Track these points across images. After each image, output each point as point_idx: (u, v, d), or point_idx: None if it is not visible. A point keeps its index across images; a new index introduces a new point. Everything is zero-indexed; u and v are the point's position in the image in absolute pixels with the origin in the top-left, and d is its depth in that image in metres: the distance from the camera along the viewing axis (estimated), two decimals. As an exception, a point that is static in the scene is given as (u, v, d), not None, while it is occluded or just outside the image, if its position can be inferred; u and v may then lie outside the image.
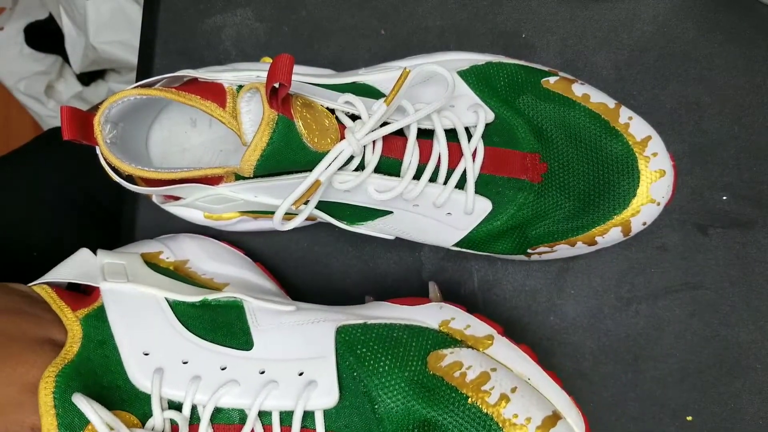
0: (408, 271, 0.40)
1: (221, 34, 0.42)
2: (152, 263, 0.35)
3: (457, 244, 0.35)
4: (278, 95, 0.27)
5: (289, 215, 0.33)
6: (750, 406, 0.38)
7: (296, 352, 0.30)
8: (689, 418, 0.38)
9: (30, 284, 0.32)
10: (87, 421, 0.26)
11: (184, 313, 0.31)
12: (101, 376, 0.28)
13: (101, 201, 0.50)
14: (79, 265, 0.32)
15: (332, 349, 0.30)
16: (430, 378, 0.29)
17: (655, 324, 0.39)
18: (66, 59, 1.00)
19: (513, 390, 0.28)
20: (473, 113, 0.32)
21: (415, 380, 0.29)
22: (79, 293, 0.32)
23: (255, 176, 0.29)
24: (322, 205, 0.33)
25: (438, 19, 0.41)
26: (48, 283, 0.32)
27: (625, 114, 0.33)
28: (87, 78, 1.03)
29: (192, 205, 0.34)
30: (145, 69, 0.42)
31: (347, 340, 0.30)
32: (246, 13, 0.42)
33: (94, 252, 0.34)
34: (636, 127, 0.33)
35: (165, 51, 0.42)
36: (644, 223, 0.33)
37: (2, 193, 0.46)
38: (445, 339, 0.31)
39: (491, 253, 0.36)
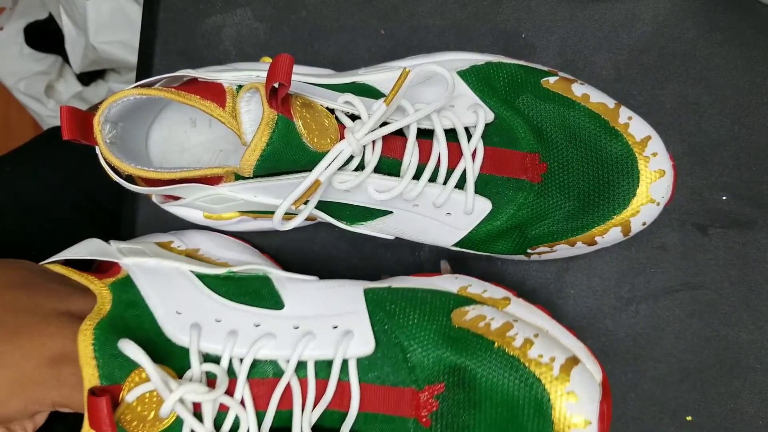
0: (408, 271, 0.40)
1: (221, 34, 0.42)
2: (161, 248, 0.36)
3: (456, 244, 0.35)
4: (278, 95, 0.27)
5: (288, 215, 0.33)
6: (750, 406, 0.38)
7: (328, 308, 0.31)
8: (689, 418, 0.38)
9: (41, 263, 0.31)
10: (128, 372, 0.26)
11: (211, 283, 0.32)
12: (136, 332, 0.28)
13: (101, 201, 0.50)
14: (94, 247, 0.32)
15: (363, 304, 0.31)
16: (456, 330, 0.30)
17: (655, 324, 0.39)
18: (66, 59, 1.00)
19: (535, 336, 0.30)
20: (473, 113, 0.32)
21: (443, 332, 0.30)
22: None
23: (255, 176, 0.29)
24: (321, 205, 0.33)
25: (438, 19, 0.41)
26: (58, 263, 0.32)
27: (624, 114, 0.33)
28: (87, 78, 1.03)
29: (192, 204, 0.34)
30: (144, 69, 0.42)
31: (375, 299, 0.31)
32: (246, 13, 0.42)
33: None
34: (636, 127, 0.33)
35: (165, 51, 0.42)
36: (644, 223, 0.33)
37: (1, 193, 0.46)
38: (466, 299, 0.32)
39: (491, 253, 0.36)
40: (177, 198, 0.35)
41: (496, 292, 0.33)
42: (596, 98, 0.34)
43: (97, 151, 0.31)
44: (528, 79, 0.34)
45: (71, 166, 0.50)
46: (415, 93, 0.33)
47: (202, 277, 0.32)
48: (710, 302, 0.38)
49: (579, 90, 0.34)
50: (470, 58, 0.35)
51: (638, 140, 0.32)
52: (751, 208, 0.38)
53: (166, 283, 0.31)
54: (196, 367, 0.28)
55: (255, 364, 0.29)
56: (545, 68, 0.35)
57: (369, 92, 0.33)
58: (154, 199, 0.36)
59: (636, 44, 0.39)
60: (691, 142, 0.39)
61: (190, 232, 0.39)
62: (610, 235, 0.33)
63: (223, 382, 0.28)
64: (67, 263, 0.32)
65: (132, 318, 0.29)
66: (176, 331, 0.29)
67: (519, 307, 0.32)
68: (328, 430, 0.30)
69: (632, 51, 0.39)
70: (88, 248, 0.32)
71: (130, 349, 0.26)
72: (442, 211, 0.33)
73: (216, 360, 0.29)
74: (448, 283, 0.34)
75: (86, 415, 0.25)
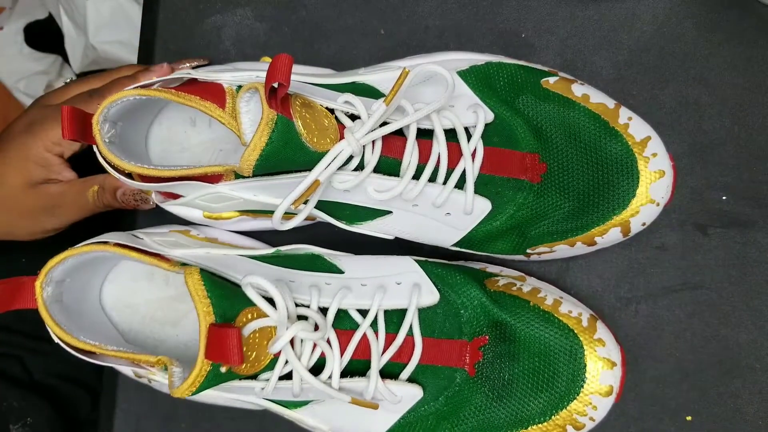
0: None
1: (221, 34, 0.42)
2: (187, 236, 0.36)
3: (456, 244, 0.35)
4: (277, 95, 0.27)
5: (288, 215, 0.33)
6: (750, 406, 0.38)
7: (385, 270, 0.33)
8: (689, 418, 0.38)
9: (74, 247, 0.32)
10: (237, 312, 0.28)
11: (265, 260, 0.33)
12: (228, 285, 0.29)
13: None
14: (129, 238, 0.32)
15: (417, 265, 0.34)
16: (492, 294, 0.34)
17: (655, 324, 0.39)
18: (66, 59, 1.00)
19: (560, 297, 0.34)
20: (473, 113, 0.32)
21: (484, 292, 0.33)
22: None
23: (254, 175, 0.29)
24: (321, 205, 0.33)
25: (438, 19, 0.41)
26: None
27: (624, 114, 0.33)
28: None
29: (191, 203, 0.34)
30: (144, 69, 0.42)
31: (422, 266, 0.34)
32: (245, 13, 0.42)
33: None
34: (635, 127, 0.33)
35: (164, 51, 0.42)
36: (643, 224, 0.33)
37: None
38: (490, 273, 0.36)
39: (490, 254, 0.36)
40: (176, 197, 0.35)
41: (510, 272, 0.37)
42: (596, 98, 0.33)
43: (95, 149, 0.31)
44: (528, 79, 0.34)
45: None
46: (415, 93, 0.33)
47: (253, 258, 0.33)
48: (710, 302, 0.38)
49: (579, 90, 0.34)
50: (470, 58, 0.35)
51: (638, 140, 0.32)
52: (751, 208, 0.38)
53: (224, 263, 0.32)
54: (292, 310, 0.30)
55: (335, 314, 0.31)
56: (545, 68, 0.35)
57: (369, 92, 0.33)
58: (153, 197, 0.36)
59: (636, 44, 0.39)
60: (691, 142, 0.39)
61: (200, 226, 0.39)
62: (609, 235, 0.33)
63: (322, 324, 0.30)
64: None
65: (219, 277, 0.30)
66: (264, 285, 0.30)
67: (536, 282, 0.36)
68: (386, 377, 0.32)
69: (632, 51, 0.39)
70: (120, 237, 0.32)
71: (258, 281, 0.28)
72: (441, 211, 0.33)
73: (304, 307, 0.30)
74: (469, 264, 0.37)
75: (203, 348, 0.26)
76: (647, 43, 0.39)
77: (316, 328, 0.30)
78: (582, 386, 0.31)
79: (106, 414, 0.41)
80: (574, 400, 0.32)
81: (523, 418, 0.32)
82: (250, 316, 0.28)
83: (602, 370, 0.32)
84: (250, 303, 0.28)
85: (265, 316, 0.28)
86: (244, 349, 0.28)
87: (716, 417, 0.38)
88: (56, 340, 0.30)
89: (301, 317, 0.30)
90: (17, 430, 0.42)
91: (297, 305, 0.30)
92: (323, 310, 0.31)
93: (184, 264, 0.31)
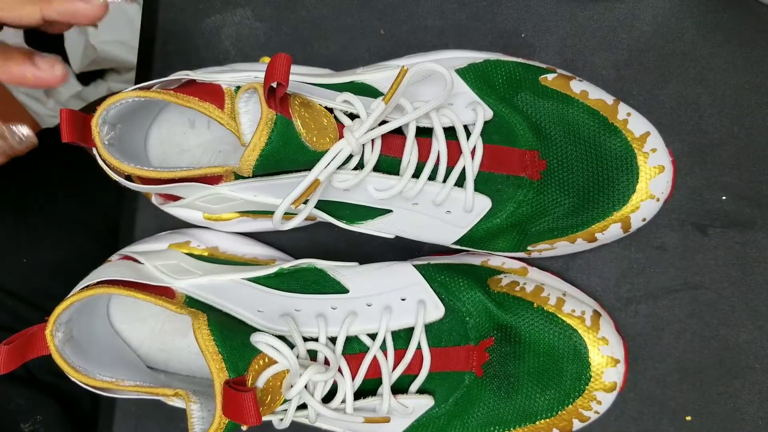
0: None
1: (220, 34, 0.42)
2: (188, 254, 0.36)
3: (457, 243, 0.35)
4: (276, 95, 0.27)
5: (288, 215, 0.32)
6: (749, 406, 0.38)
7: (389, 285, 0.33)
8: (688, 418, 0.38)
9: (73, 293, 0.31)
10: (248, 362, 0.28)
11: (269, 283, 0.33)
12: (235, 327, 0.29)
13: (99, 204, 0.50)
14: (129, 270, 0.32)
15: (420, 277, 0.34)
16: (496, 295, 0.34)
17: (655, 324, 0.39)
18: (66, 59, 1.00)
19: (564, 294, 0.34)
20: (472, 111, 0.32)
21: (488, 296, 0.33)
22: None
23: (254, 176, 0.29)
24: (321, 205, 0.33)
25: (437, 18, 0.41)
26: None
27: (623, 110, 0.33)
28: (86, 77, 1.03)
29: (191, 205, 0.34)
30: (144, 69, 0.42)
31: (425, 274, 0.34)
32: (245, 13, 0.42)
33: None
34: (634, 123, 0.33)
35: (164, 51, 0.42)
36: (644, 219, 0.33)
37: None
38: (493, 270, 0.36)
39: (491, 251, 0.36)
40: (176, 198, 0.34)
41: (512, 263, 0.37)
42: (595, 95, 0.34)
43: (95, 152, 0.31)
44: (526, 77, 0.34)
45: (67, 169, 0.50)
46: (414, 91, 0.33)
47: (256, 281, 0.33)
48: (710, 302, 0.38)
49: (577, 87, 0.34)
50: (468, 56, 0.35)
51: (637, 136, 0.33)
52: (751, 208, 0.38)
53: (230, 294, 0.32)
54: (302, 348, 0.30)
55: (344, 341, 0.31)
56: (543, 65, 0.35)
57: (367, 91, 0.33)
58: (153, 200, 0.36)
59: (636, 44, 0.39)
60: (690, 142, 0.39)
61: (199, 231, 0.39)
62: (610, 231, 0.33)
63: (332, 360, 0.30)
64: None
65: (226, 318, 0.30)
66: (268, 323, 0.30)
67: (538, 274, 0.36)
68: (396, 390, 0.32)
69: (632, 51, 0.39)
70: (123, 272, 0.32)
71: (267, 339, 0.28)
72: (441, 210, 0.33)
73: (312, 341, 0.31)
74: (471, 258, 0.37)
75: (219, 405, 0.27)
76: (647, 43, 0.39)
77: (326, 359, 0.30)
78: (587, 384, 0.32)
79: (105, 414, 0.42)
80: (580, 397, 0.32)
81: (531, 413, 0.33)
82: (262, 362, 0.28)
83: (606, 368, 0.32)
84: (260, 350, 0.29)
85: (277, 362, 0.29)
86: (259, 395, 0.28)
87: (716, 417, 0.38)
88: (74, 380, 0.30)
89: (311, 351, 0.31)
90: (28, 428, 0.42)
91: (305, 339, 0.31)
92: (332, 339, 0.31)
93: (190, 302, 0.31)
